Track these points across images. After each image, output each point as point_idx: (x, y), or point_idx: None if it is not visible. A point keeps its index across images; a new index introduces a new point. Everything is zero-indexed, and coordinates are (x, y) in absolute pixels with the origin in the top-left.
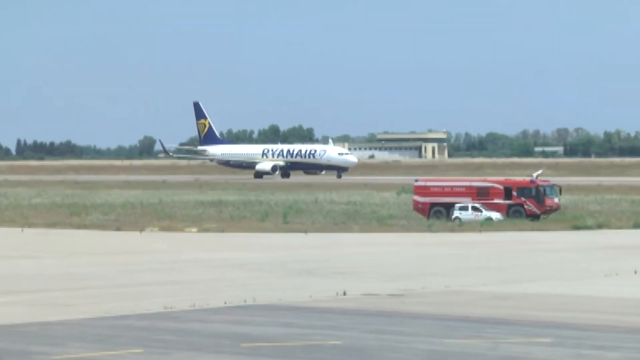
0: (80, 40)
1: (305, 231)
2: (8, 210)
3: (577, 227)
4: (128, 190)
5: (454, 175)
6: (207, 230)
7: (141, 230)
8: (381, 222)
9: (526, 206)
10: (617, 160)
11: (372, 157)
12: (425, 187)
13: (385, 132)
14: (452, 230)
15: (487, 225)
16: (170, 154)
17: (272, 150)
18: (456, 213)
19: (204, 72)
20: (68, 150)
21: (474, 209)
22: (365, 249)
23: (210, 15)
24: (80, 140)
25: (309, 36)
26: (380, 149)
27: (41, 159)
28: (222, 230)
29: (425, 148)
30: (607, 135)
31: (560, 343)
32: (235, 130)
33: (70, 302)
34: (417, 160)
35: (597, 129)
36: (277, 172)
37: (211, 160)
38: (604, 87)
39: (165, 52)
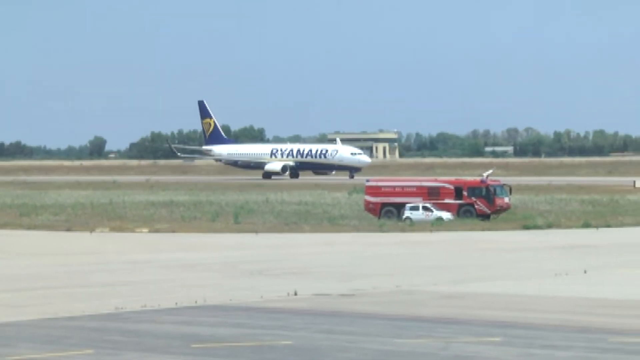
0: (29, 39)
1: (257, 231)
2: None
3: (527, 227)
4: (78, 191)
5: (405, 175)
6: (158, 230)
7: (91, 230)
8: (332, 222)
9: (477, 206)
10: (566, 160)
11: None
12: (376, 187)
13: (337, 132)
14: (403, 230)
15: (437, 225)
16: (178, 154)
17: (281, 150)
18: (407, 213)
19: (151, 72)
20: (18, 150)
21: (425, 208)
22: (316, 249)
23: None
24: (30, 141)
25: (260, 36)
26: None
27: None
28: (173, 231)
29: (377, 148)
30: (557, 135)
31: (510, 342)
32: (185, 130)
33: (20, 303)
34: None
35: (547, 129)
36: (287, 173)
37: (217, 160)
38: (554, 87)
39: (115, 51)
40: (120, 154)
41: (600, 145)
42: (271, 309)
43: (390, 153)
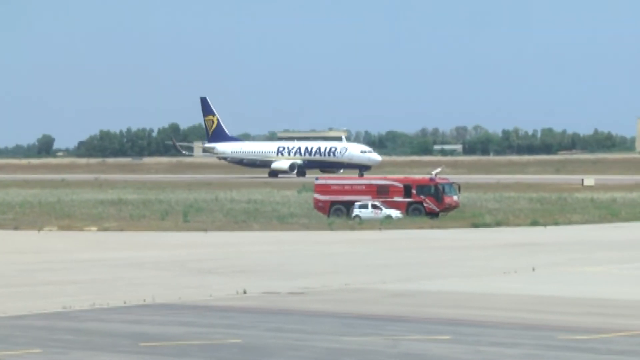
0: None
1: (206, 230)
2: None
3: (475, 225)
4: (26, 189)
5: (354, 174)
6: (106, 229)
7: (39, 229)
8: (282, 220)
9: (425, 204)
10: (515, 158)
11: None
12: (325, 185)
13: (286, 130)
14: (352, 228)
15: (386, 223)
16: (184, 152)
17: (287, 148)
18: (356, 211)
19: (99, 70)
20: None
21: (374, 207)
22: (265, 247)
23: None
24: None
25: (209, 32)
26: None
27: None
28: (122, 229)
29: None
30: (506, 134)
31: (459, 340)
32: (134, 129)
33: None
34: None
35: (495, 127)
36: (294, 171)
37: (220, 158)
38: (502, 86)
39: (64, 50)
40: (68, 153)
41: (548, 144)
42: (220, 308)
43: None
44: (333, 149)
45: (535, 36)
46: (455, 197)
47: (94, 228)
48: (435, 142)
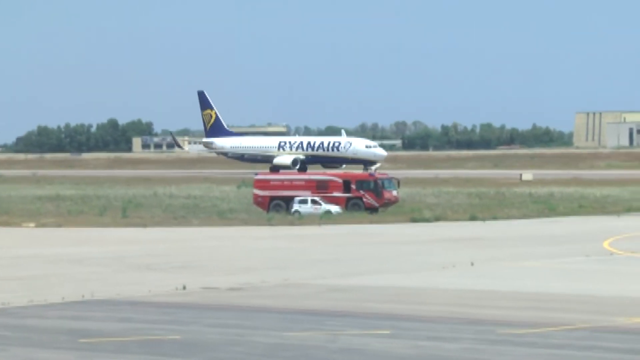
0: None
1: (145, 225)
2: None
3: (414, 220)
4: None
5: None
6: (44, 225)
7: None
8: (221, 215)
9: (365, 199)
10: (454, 153)
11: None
12: (265, 180)
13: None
14: (291, 223)
15: (326, 218)
16: (184, 148)
17: (289, 143)
18: (295, 206)
19: (38, 65)
20: None
21: (314, 202)
22: (205, 243)
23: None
24: None
25: (141, 28)
26: None
27: None
28: (60, 225)
29: None
30: (445, 129)
31: (398, 335)
32: (72, 124)
33: None
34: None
35: (434, 122)
36: (297, 166)
37: (218, 153)
38: (441, 81)
39: (2, 44)
40: (6, 148)
41: (487, 139)
42: (160, 304)
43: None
44: (337, 144)
45: (473, 32)
46: (394, 192)
47: (32, 224)
48: (374, 137)
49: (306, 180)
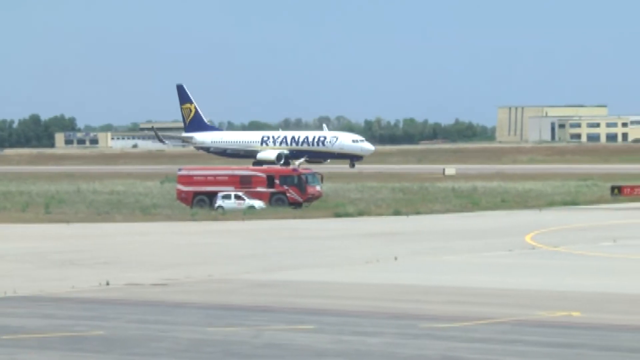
0: None
1: (68, 221)
2: None
3: (338, 215)
4: None
5: (217, 164)
6: None
7: None
8: (145, 211)
9: (288, 194)
10: (377, 148)
11: (135, 146)
12: (188, 176)
13: (149, 121)
14: (215, 219)
15: (250, 213)
16: (165, 142)
17: (272, 138)
18: (219, 202)
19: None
20: None
21: (237, 197)
22: (128, 238)
23: None
24: None
25: (63, 22)
26: (143, 138)
27: None
28: None
29: None
30: (368, 124)
31: (322, 329)
32: None
33: None
34: (180, 149)
35: (357, 117)
36: (282, 161)
37: (198, 148)
38: (365, 76)
39: None
40: None
41: (410, 134)
42: (83, 300)
43: None
44: (322, 138)
45: (395, 27)
46: (318, 187)
47: None
48: None
49: (230, 176)
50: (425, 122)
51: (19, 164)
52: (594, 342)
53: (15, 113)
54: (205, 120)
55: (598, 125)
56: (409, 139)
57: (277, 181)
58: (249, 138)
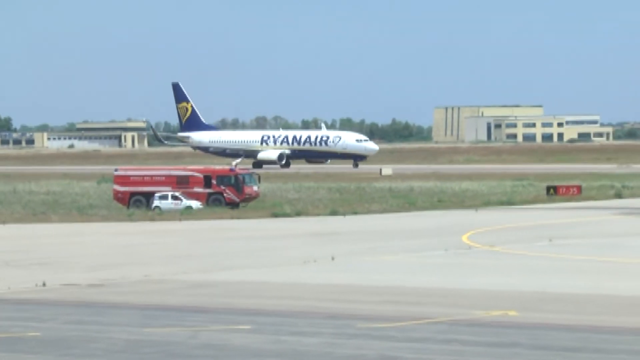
0: None
1: (4, 222)
2: None
3: (275, 215)
4: None
5: (154, 164)
6: None
7: None
8: (81, 211)
9: (226, 194)
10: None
11: (71, 146)
12: (125, 176)
13: (85, 122)
14: (152, 219)
15: (187, 213)
16: (164, 141)
17: (273, 137)
18: (156, 202)
19: None
20: None
21: (174, 197)
22: (65, 239)
23: None
24: None
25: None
26: (80, 138)
27: None
28: None
29: (125, 137)
30: (305, 124)
31: (260, 330)
32: None
33: None
34: (117, 149)
35: (295, 117)
36: (283, 161)
37: (195, 148)
38: (302, 76)
39: None
40: None
41: None
42: (19, 300)
43: (139, 142)
44: (325, 138)
45: (333, 27)
46: (255, 188)
47: None
48: None
49: (166, 176)
50: (362, 122)
51: None
52: (530, 341)
53: None
54: (202, 119)
55: (534, 125)
56: None
57: (214, 181)
58: (249, 138)
